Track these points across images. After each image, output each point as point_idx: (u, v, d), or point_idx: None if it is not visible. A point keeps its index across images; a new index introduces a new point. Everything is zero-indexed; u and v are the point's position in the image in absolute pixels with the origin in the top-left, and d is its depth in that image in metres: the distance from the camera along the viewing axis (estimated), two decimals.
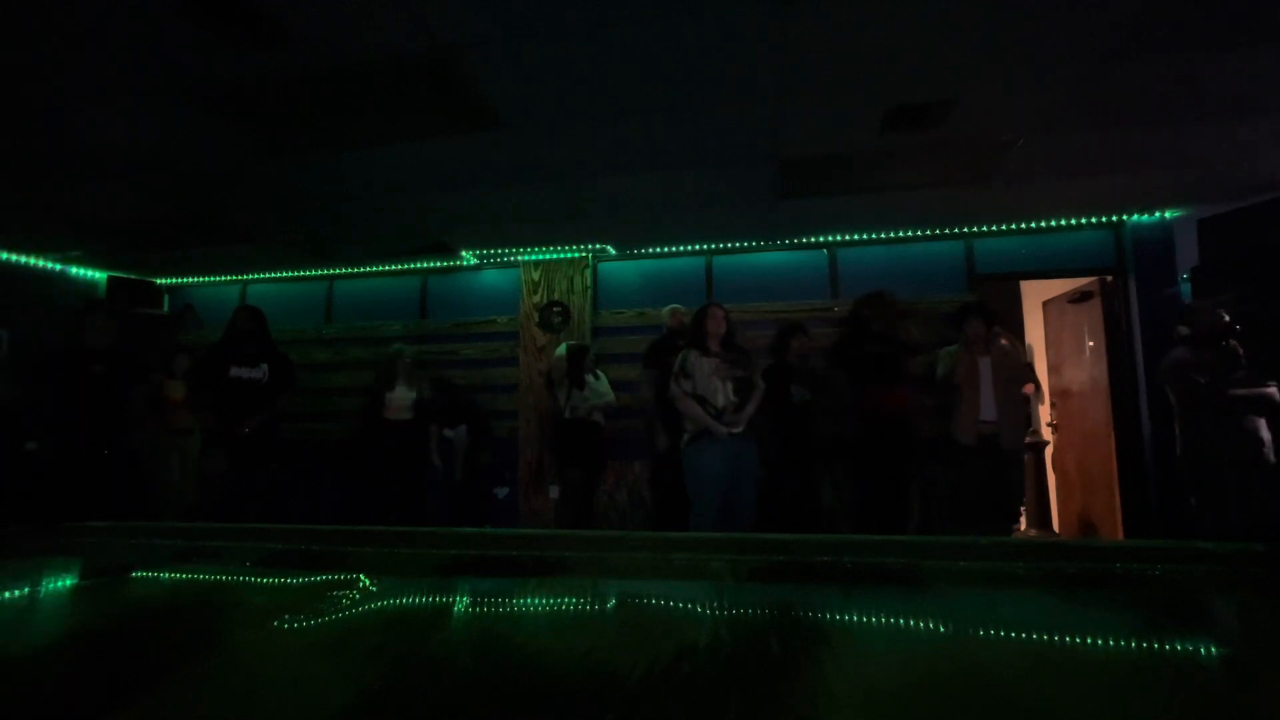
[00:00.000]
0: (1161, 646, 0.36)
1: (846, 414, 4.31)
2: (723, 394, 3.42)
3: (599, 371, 4.82)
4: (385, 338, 5.79)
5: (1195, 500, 3.58)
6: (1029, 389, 5.37)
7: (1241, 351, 3.45)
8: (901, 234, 5.05)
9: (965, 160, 3.68)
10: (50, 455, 4.09)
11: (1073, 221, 4.81)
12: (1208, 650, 0.36)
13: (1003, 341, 4.10)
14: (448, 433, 4.93)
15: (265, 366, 4.16)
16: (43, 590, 0.50)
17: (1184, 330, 3.71)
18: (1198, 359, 3.54)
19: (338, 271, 6.01)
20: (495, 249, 5.44)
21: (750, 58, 2.63)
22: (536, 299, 5.50)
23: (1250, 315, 3.63)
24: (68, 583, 0.54)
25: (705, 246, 5.34)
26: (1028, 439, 5.50)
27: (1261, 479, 3.39)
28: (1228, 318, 3.52)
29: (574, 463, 4.70)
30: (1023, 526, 5.54)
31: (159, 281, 6.19)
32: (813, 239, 5.16)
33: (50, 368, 3.98)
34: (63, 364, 3.96)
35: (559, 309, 5.42)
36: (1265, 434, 3.42)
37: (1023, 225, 4.86)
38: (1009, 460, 4.00)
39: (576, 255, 5.46)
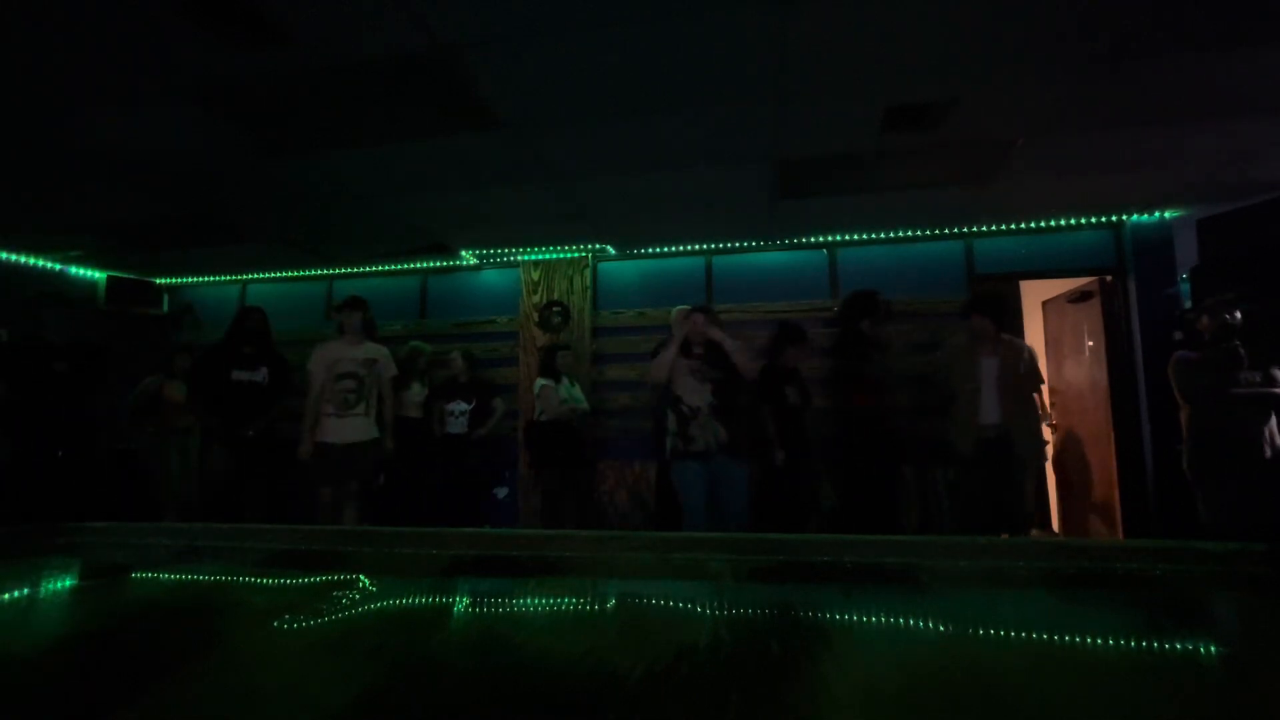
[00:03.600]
0: (1161, 646, 0.36)
1: (831, 416, 4.36)
2: (700, 395, 3.40)
3: (572, 378, 4.83)
4: (386, 338, 5.79)
5: (1199, 500, 3.58)
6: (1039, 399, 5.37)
7: (1244, 353, 3.46)
8: (901, 234, 5.04)
9: (965, 160, 3.68)
10: (16, 456, 3.95)
11: (1073, 221, 4.81)
12: (1208, 650, 0.36)
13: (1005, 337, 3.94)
14: (454, 407, 4.89)
15: (265, 370, 4.16)
16: (43, 590, 0.50)
17: (1178, 335, 3.74)
18: (1201, 360, 3.56)
19: (338, 271, 6.00)
20: (495, 249, 5.44)
21: (750, 58, 2.63)
22: (536, 299, 5.50)
23: (1250, 315, 3.64)
24: (68, 583, 0.54)
25: (705, 246, 5.33)
26: None
27: (1265, 479, 3.40)
28: (1229, 318, 3.52)
29: (548, 464, 4.68)
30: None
31: (159, 281, 6.19)
32: (812, 239, 5.15)
33: (6, 363, 3.82)
34: (21, 360, 3.81)
35: (559, 309, 5.42)
36: (1269, 434, 3.43)
37: (1023, 225, 4.86)
38: (1016, 468, 3.70)
39: (576, 255, 5.46)
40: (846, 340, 4.44)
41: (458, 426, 4.86)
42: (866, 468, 4.16)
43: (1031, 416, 3.86)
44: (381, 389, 4.18)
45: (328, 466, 3.96)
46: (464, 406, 4.86)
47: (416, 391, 4.91)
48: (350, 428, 3.98)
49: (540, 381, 4.63)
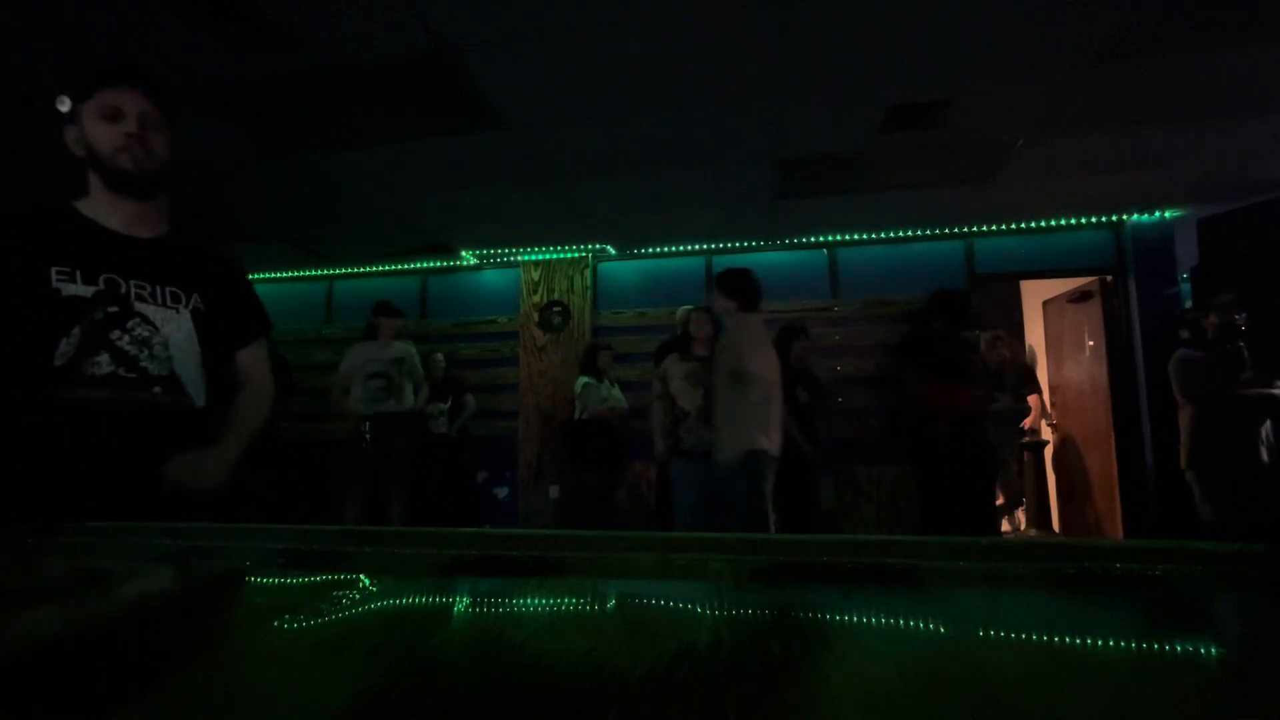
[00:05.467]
0: (1161, 646, 0.36)
1: (908, 414, 4.21)
2: (692, 400, 3.41)
3: (611, 379, 4.84)
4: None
5: (1201, 500, 3.58)
6: (1033, 400, 5.36)
7: (1247, 353, 3.46)
8: (901, 234, 5.05)
9: (965, 160, 3.68)
10: None
11: (1073, 221, 4.82)
12: (1208, 650, 0.36)
13: (706, 317, 3.22)
14: (432, 408, 4.91)
15: None
16: (42, 590, 0.50)
17: (1184, 334, 3.72)
18: (1205, 359, 3.56)
19: (338, 271, 6.01)
20: (495, 249, 5.44)
21: (750, 58, 2.63)
22: (536, 299, 5.51)
23: (1250, 315, 3.64)
24: (68, 582, 0.54)
25: (705, 246, 5.34)
26: (1026, 439, 5.51)
27: (1266, 478, 3.40)
28: (1236, 318, 3.52)
29: (586, 463, 4.69)
30: (1022, 526, 5.55)
31: None
32: (813, 239, 5.16)
33: None
34: None
35: (559, 309, 5.43)
36: (1265, 434, 3.42)
37: (1023, 225, 4.87)
38: (734, 491, 2.93)
39: (576, 255, 5.46)
40: (914, 333, 4.39)
41: (440, 427, 4.87)
42: (950, 468, 3.94)
43: (730, 420, 2.90)
44: (415, 380, 4.44)
45: (364, 457, 4.21)
46: (442, 406, 4.88)
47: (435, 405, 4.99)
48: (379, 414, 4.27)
49: (582, 379, 4.63)
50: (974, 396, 3.80)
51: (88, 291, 1.16)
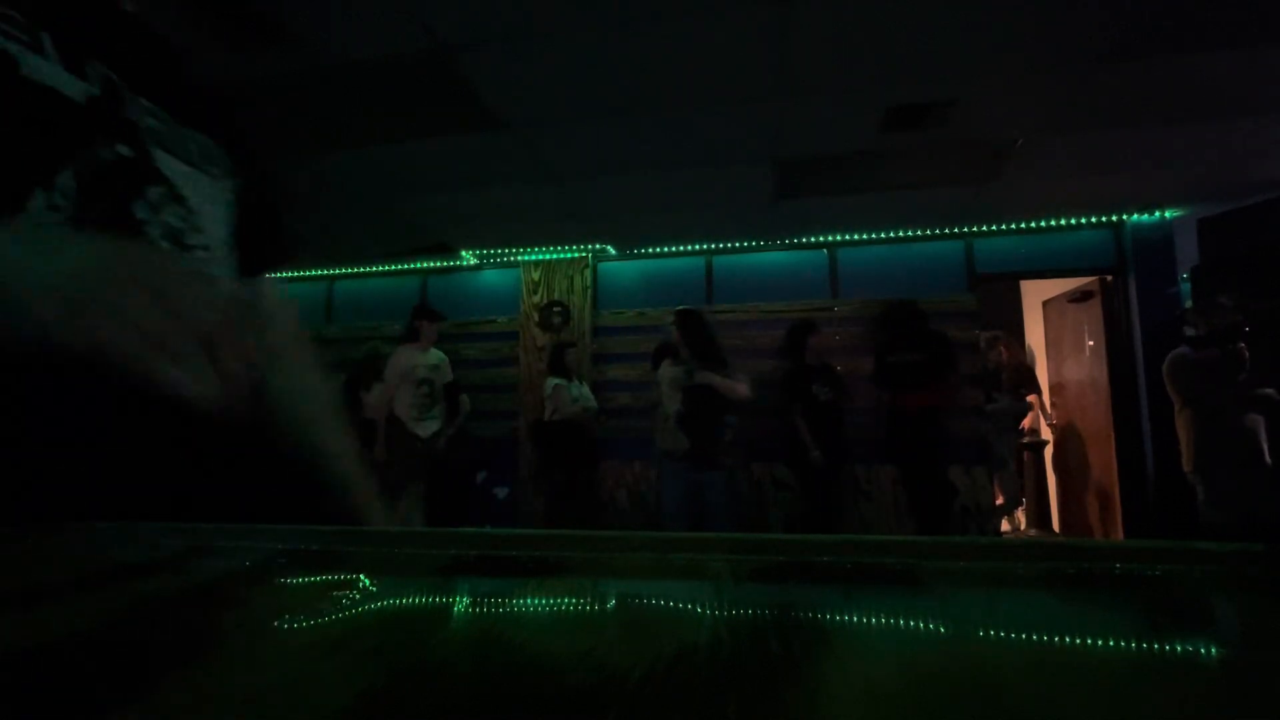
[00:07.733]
0: (1161, 646, 0.36)
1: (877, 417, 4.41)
2: (673, 402, 3.44)
3: (580, 377, 4.85)
4: (386, 337, 5.79)
5: (1205, 502, 3.57)
6: (1031, 399, 5.37)
7: (1247, 354, 3.45)
8: (901, 234, 5.06)
9: (965, 160, 3.69)
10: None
11: (1073, 221, 4.83)
12: (1208, 650, 0.36)
13: None
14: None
15: None
16: (43, 590, 0.50)
17: (1190, 331, 3.71)
18: (1201, 359, 3.55)
19: (338, 271, 6.02)
20: (495, 249, 5.45)
21: (750, 58, 2.63)
22: (536, 299, 5.51)
23: (1250, 315, 3.64)
24: (68, 583, 0.54)
25: (705, 246, 5.35)
26: (1026, 439, 5.51)
27: (1263, 479, 3.40)
28: (1240, 319, 3.51)
29: (558, 464, 4.69)
30: (1022, 526, 5.55)
31: None
32: (813, 239, 5.17)
33: None
34: None
35: (559, 309, 5.43)
36: (1266, 434, 3.42)
37: (1023, 225, 4.87)
38: None
39: (576, 255, 5.46)
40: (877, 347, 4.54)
41: (434, 427, 4.86)
42: (907, 467, 4.20)
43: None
44: (443, 392, 4.48)
45: (414, 464, 4.23)
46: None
47: (377, 393, 4.90)
48: (429, 429, 4.29)
49: (552, 381, 4.62)
50: (926, 398, 4.07)
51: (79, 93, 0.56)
